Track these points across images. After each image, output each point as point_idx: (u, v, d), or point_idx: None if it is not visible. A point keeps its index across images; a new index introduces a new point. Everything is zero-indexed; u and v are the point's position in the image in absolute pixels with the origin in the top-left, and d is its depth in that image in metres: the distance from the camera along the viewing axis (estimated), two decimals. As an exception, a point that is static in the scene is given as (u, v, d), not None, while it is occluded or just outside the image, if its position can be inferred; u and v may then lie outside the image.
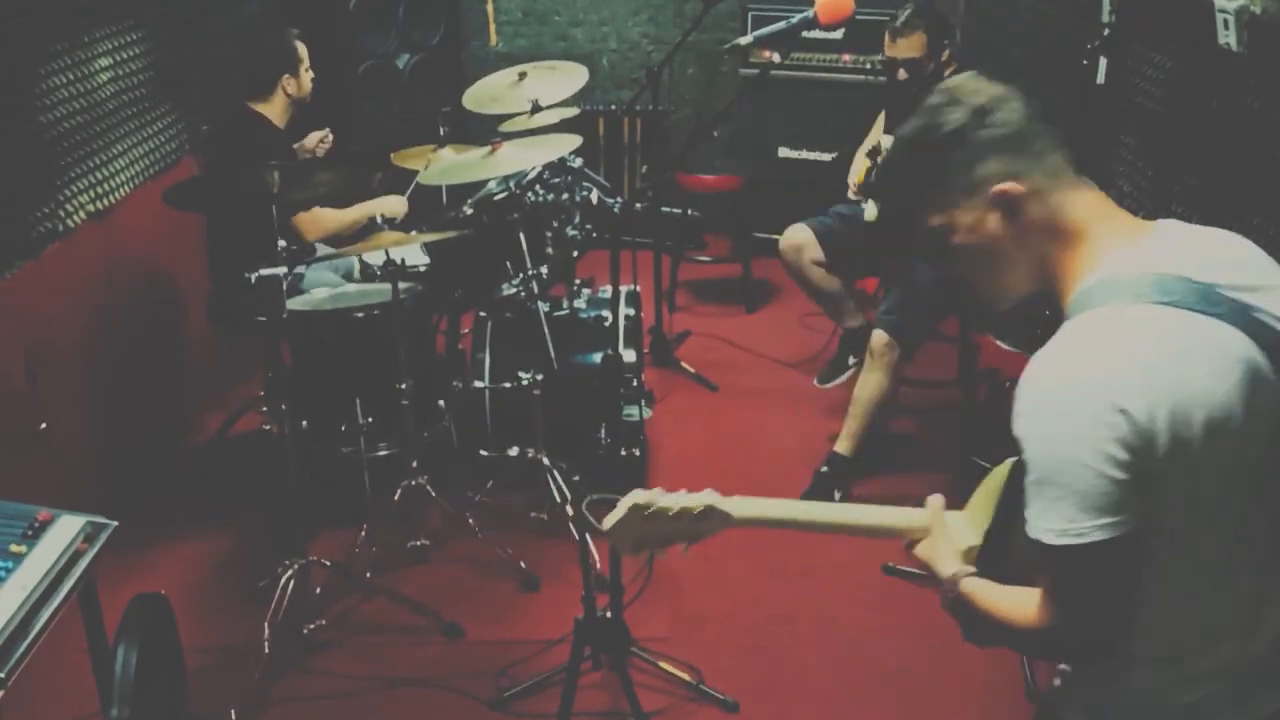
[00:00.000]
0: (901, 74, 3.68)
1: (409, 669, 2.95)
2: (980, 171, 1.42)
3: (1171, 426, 1.25)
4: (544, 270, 3.55)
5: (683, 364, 4.61)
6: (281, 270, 2.80)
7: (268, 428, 3.44)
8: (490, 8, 5.88)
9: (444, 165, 3.52)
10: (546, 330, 3.54)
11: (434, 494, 3.35)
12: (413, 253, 3.62)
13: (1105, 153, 3.57)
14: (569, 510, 3.38)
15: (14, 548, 2.00)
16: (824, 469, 3.67)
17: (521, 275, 3.50)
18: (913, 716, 2.84)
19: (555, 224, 3.61)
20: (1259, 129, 2.63)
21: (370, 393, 3.37)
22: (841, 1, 2.48)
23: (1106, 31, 3.42)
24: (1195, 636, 1.38)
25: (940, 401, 4.29)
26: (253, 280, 2.77)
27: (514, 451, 3.57)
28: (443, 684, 2.89)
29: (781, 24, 2.55)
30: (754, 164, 5.43)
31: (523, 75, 3.78)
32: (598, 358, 3.62)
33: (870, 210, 3.80)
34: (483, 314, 3.72)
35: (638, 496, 1.66)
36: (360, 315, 3.36)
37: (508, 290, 3.53)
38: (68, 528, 2.10)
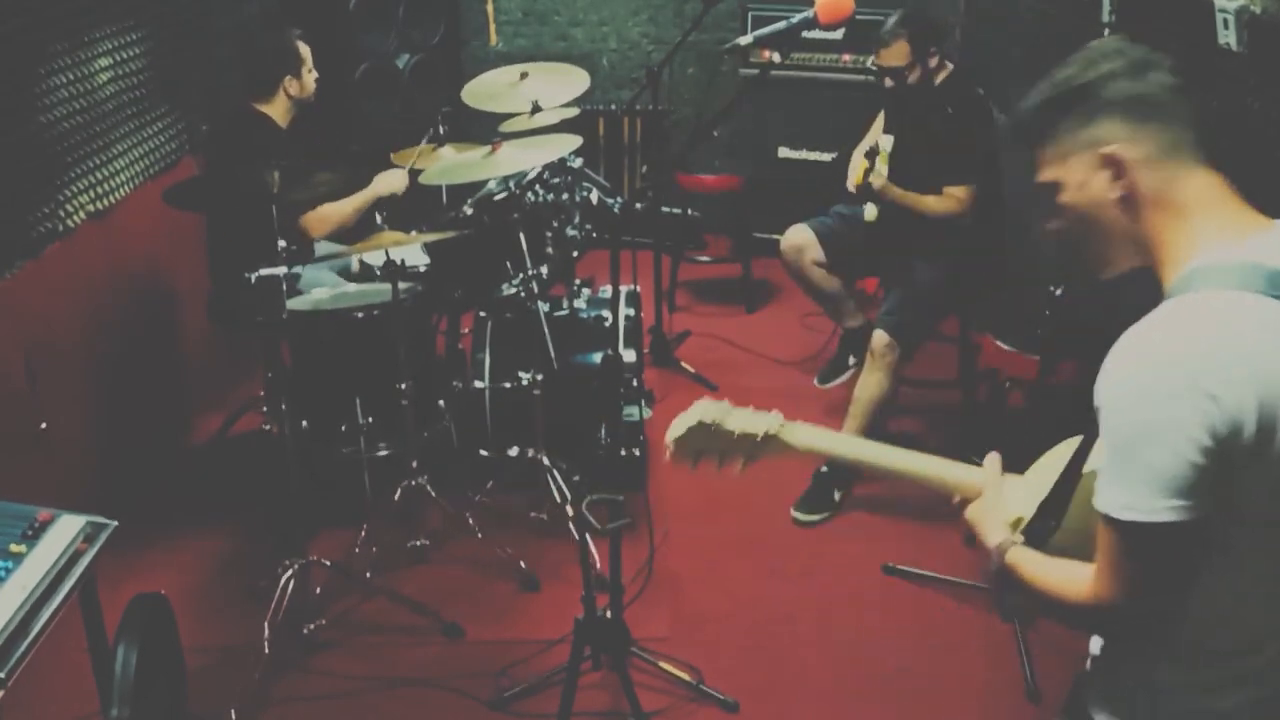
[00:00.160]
0: (888, 82, 3.71)
1: (409, 669, 2.95)
2: (1096, 130, 1.40)
3: (1260, 418, 1.25)
4: (544, 270, 3.55)
5: (683, 364, 4.61)
6: (281, 270, 2.80)
7: (268, 428, 3.44)
8: (490, 8, 5.88)
9: (444, 165, 3.52)
10: (546, 330, 3.54)
11: (434, 494, 3.35)
12: (413, 253, 3.62)
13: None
14: (569, 510, 3.38)
15: (14, 548, 2.00)
16: (824, 469, 3.67)
17: (521, 275, 3.50)
18: (913, 716, 2.84)
19: (555, 224, 3.61)
20: (1259, 129, 2.63)
21: (370, 393, 3.37)
22: (841, 1, 2.48)
23: (1106, 31, 3.42)
24: (1258, 631, 1.37)
25: (940, 401, 4.29)
26: (253, 280, 2.77)
27: (514, 451, 3.57)
28: (443, 684, 2.89)
29: (781, 24, 2.55)
30: (754, 164, 5.43)
31: (524, 75, 3.77)
32: (598, 358, 3.62)
33: (870, 211, 3.80)
34: (483, 314, 3.72)
35: (705, 412, 1.66)
36: (360, 315, 3.36)
37: (508, 290, 3.53)
38: (68, 528, 2.10)
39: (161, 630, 2.42)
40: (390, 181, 3.71)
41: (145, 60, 3.87)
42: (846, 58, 5.43)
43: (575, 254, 3.71)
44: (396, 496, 3.34)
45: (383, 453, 3.43)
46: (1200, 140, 1.44)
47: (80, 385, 3.48)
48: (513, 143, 3.38)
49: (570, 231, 3.66)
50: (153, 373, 3.95)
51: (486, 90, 3.80)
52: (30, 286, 3.18)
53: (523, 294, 3.51)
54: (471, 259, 3.53)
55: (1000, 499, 1.63)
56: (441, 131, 3.79)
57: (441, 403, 3.61)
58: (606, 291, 3.82)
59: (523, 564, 3.29)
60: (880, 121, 4.02)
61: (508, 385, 3.54)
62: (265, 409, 3.72)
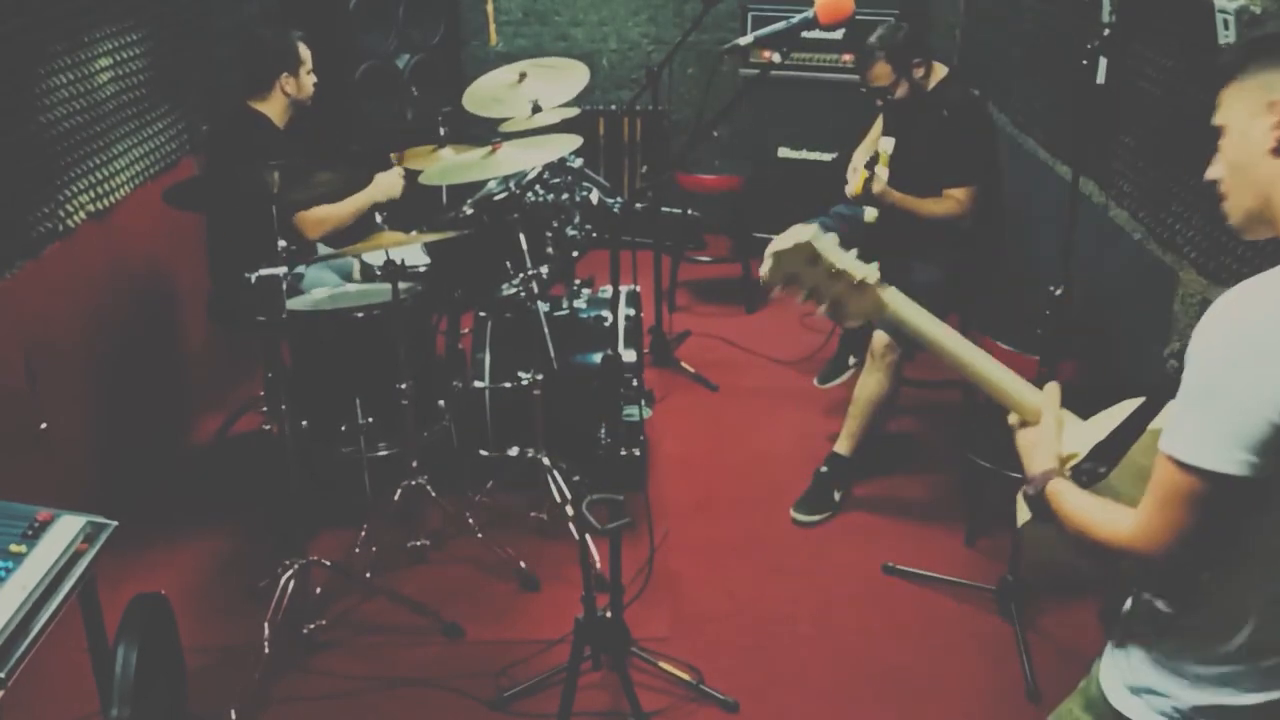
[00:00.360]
0: (878, 102, 3.76)
1: (409, 669, 2.95)
2: (1268, 79, 1.39)
3: None
4: (544, 270, 3.55)
5: (683, 364, 4.61)
6: (281, 270, 2.80)
7: (268, 428, 3.44)
8: (490, 8, 5.88)
9: (444, 165, 3.51)
10: (546, 330, 3.54)
11: (434, 494, 3.35)
12: (413, 253, 3.62)
13: (1105, 153, 3.57)
14: (569, 510, 3.38)
15: (14, 548, 2.00)
16: (823, 469, 3.67)
17: (521, 275, 3.50)
18: (913, 716, 2.84)
19: (555, 224, 3.61)
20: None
21: (370, 393, 3.37)
22: (841, 1, 2.47)
23: (1106, 31, 3.42)
24: None
25: (940, 401, 4.29)
26: (253, 280, 2.77)
27: (514, 451, 3.57)
28: (443, 684, 2.89)
29: (781, 24, 2.55)
30: (754, 164, 5.43)
31: (523, 75, 3.77)
32: (598, 358, 3.62)
33: (870, 213, 3.80)
34: (483, 314, 3.72)
35: (814, 235, 1.64)
36: (360, 315, 3.36)
37: (508, 290, 3.53)
38: (68, 528, 2.10)
39: (161, 630, 2.42)
40: (387, 187, 3.71)
41: (145, 60, 3.87)
42: (846, 58, 5.43)
43: (575, 254, 3.71)
44: (396, 496, 3.34)
45: (383, 453, 3.43)
46: None
47: (80, 385, 3.48)
48: (513, 143, 3.38)
49: (570, 231, 3.66)
50: (153, 373, 3.95)
51: (488, 94, 3.79)
52: (30, 286, 3.18)
53: (523, 294, 3.51)
54: (471, 259, 3.53)
55: (1054, 430, 1.64)
56: (441, 132, 3.79)
57: (441, 403, 3.60)
58: (606, 291, 3.82)
59: (523, 564, 3.29)
60: (880, 124, 4.03)
61: (508, 385, 3.54)
62: (265, 409, 3.72)
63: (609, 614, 2.74)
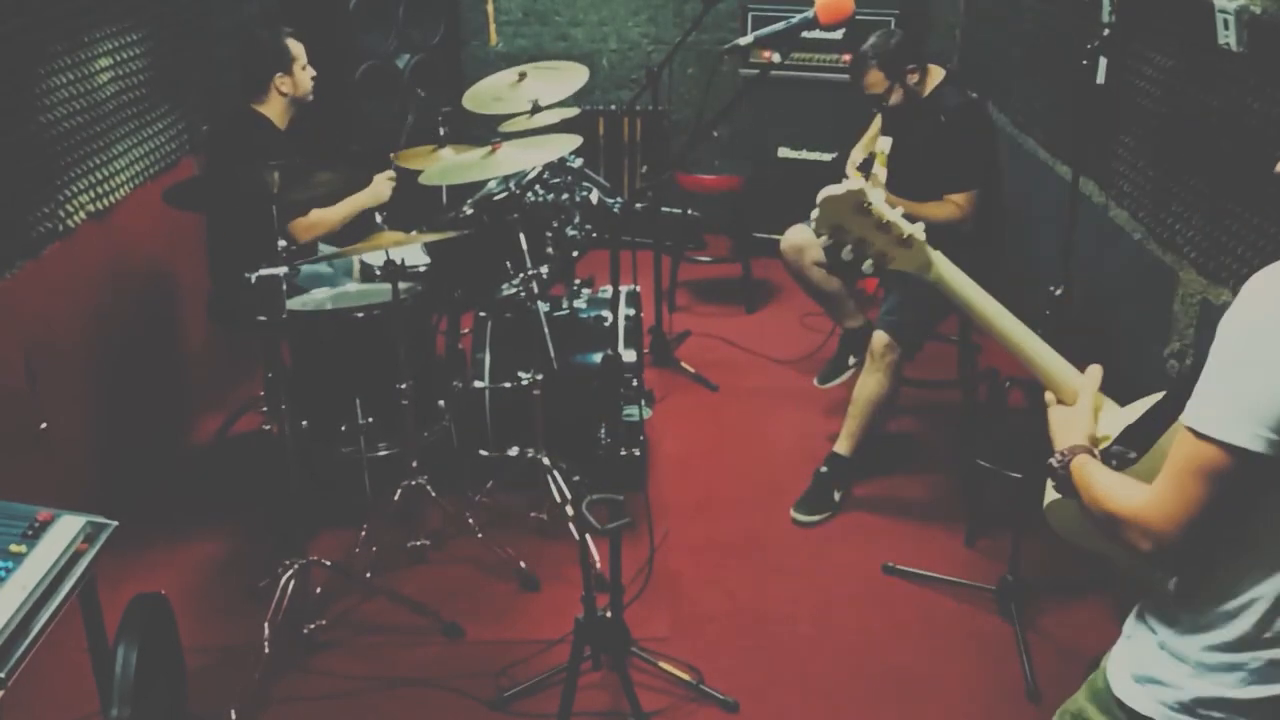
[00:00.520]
0: (873, 109, 3.82)
1: (409, 669, 2.96)
2: None
3: None
4: (544, 270, 3.55)
5: (683, 364, 4.61)
6: (281, 270, 2.80)
7: (268, 428, 3.44)
8: (490, 8, 5.88)
9: (444, 165, 3.51)
10: (546, 330, 3.54)
11: (434, 494, 3.35)
12: (413, 253, 3.62)
13: (1105, 152, 3.57)
14: (569, 510, 3.38)
15: (14, 548, 2.00)
16: (823, 469, 3.67)
17: (521, 275, 3.50)
18: (913, 716, 2.84)
19: (555, 224, 3.61)
20: (1259, 129, 2.63)
21: (370, 393, 3.37)
22: (841, 2, 2.47)
23: (1106, 31, 3.42)
24: None
25: (940, 401, 4.29)
26: (253, 280, 2.77)
27: (514, 451, 3.57)
28: (443, 684, 2.89)
29: (781, 24, 2.55)
30: (754, 164, 5.43)
31: (523, 76, 3.77)
32: (598, 358, 3.62)
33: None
34: (483, 314, 3.72)
35: (866, 186, 1.65)
36: (360, 315, 3.36)
37: (508, 290, 3.53)
38: (68, 528, 2.10)
39: (161, 630, 2.42)
40: (377, 191, 3.71)
41: (145, 60, 3.87)
42: (846, 58, 5.41)
43: (575, 254, 3.71)
44: (396, 496, 3.34)
45: (383, 453, 3.43)
46: None
47: (80, 385, 3.48)
48: (513, 143, 3.37)
49: (570, 231, 3.66)
50: (153, 373, 3.95)
51: (489, 94, 3.79)
52: (30, 286, 3.19)
53: (523, 294, 3.51)
54: (471, 259, 3.53)
55: (1089, 411, 1.64)
56: (441, 132, 3.79)
57: (441, 403, 3.60)
58: (606, 291, 3.82)
59: (523, 564, 3.29)
60: (878, 123, 4.03)
61: (508, 385, 3.54)
62: (265, 409, 3.72)
63: (609, 614, 2.74)
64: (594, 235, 3.73)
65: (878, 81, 3.67)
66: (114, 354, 3.67)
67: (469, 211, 3.51)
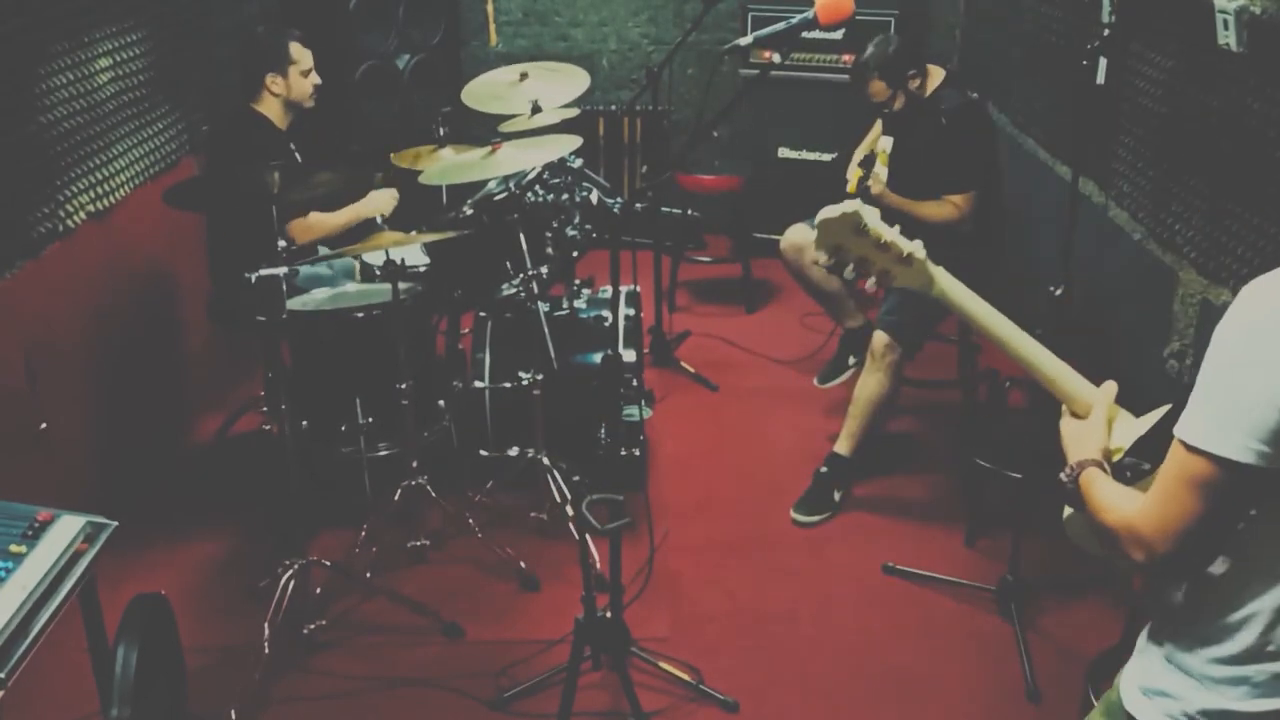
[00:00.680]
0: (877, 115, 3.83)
1: (409, 669, 2.95)
2: None
3: None
4: (544, 270, 3.55)
5: (683, 364, 4.61)
6: (281, 270, 2.80)
7: (268, 428, 3.43)
8: (490, 8, 5.88)
9: (444, 165, 3.52)
10: (546, 330, 3.54)
11: (434, 494, 3.35)
12: (413, 253, 3.62)
13: (1105, 153, 3.57)
14: (569, 510, 3.38)
15: (14, 548, 2.00)
16: (823, 469, 3.67)
17: (521, 275, 3.50)
18: (913, 716, 2.84)
19: (555, 224, 3.61)
20: (1259, 129, 2.63)
21: (370, 393, 3.37)
22: (841, 2, 2.47)
23: (1106, 31, 3.42)
24: None
25: (940, 401, 4.29)
26: (253, 280, 2.77)
27: (514, 451, 3.57)
28: (443, 684, 2.89)
29: (781, 24, 2.55)
30: (754, 164, 5.43)
31: (524, 75, 3.77)
32: (598, 358, 3.62)
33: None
34: (483, 314, 3.72)
35: (861, 207, 1.65)
36: (360, 315, 3.36)
37: (508, 290, 3.53)
38: (68, 528, 2.10)
39: (161, 630, 2.41)
40: (379, 204, 3.71)
41: (145, 60, 3.87)
42: (847, 58, 5.42)
43: (575, 254, 3.71)
44: (396, 496, 3.34)
45: (383, 453, 3.43)
46: None
47: (80, 385, 3.48)
48: (513, 143, 3.38)
49: (570, 231, 3.66)
50: (153, 373, 3.95)
51: (488, 92, 3.79)
52: (30, 286, 3.19)
53: (523, 294, 3.51)
54: (471, 259, 3.53)
55: (1103, 424, 1.62)
56: (441, 132, 3.79)
57: (441, 403, 3.60)
58: (606, 291, 3.82)
59: (523, 564, 3.29)
60: (879, 126, 4.03)
61: (508, 385, 3.54)
62: (265, 409, 3.71)
63: (609, 614, 2.73)
64: (594, 235, 3.73)
65: (880, 90, 3.68)
66: (114, 354, 3.67)
67: (469, 211, 3.51)
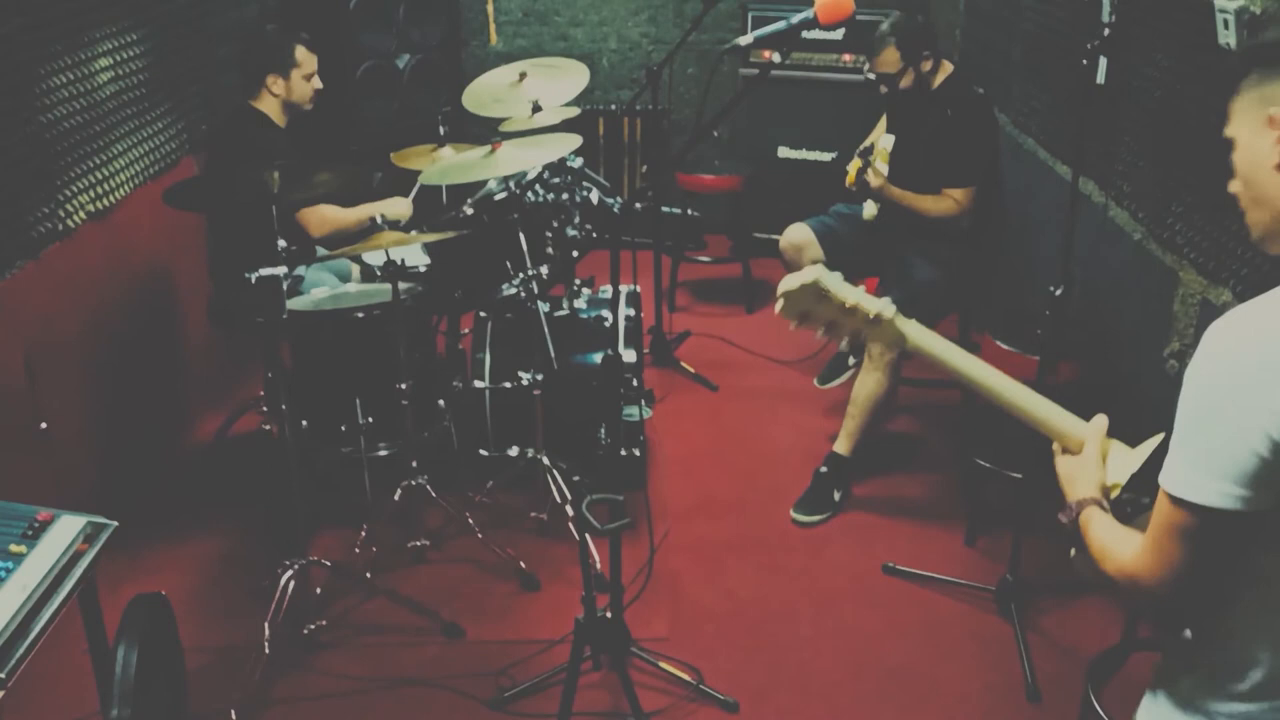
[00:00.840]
0: (883, 89, 3.74)
1: (409, 669, 2.96)
2: (1272, 89, 1.34)
3: None
4: (544, 270, 3.55)
5: (683, 364, 4.61)
6: (281, 270, 2.80)
7: (268, 428, 3.43)
8: (490, 8, 5.88)
9: (444, 165, 3.52)
10: (546, 330, 3.54)
11: (434, 494, 3.35)
12: (413, 253, 3.62)
13: (1105, 153, 3.57)
14: (569, 510, 3.38)
15: (14, 548, 2.00)
16: (823, 469, 3.67)
17: (521, 275, 3.50)
18: (913, 716, 2.84)
19: (555, 224, 3.61)
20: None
21: (370, 393, 3.37)
22: (841, 2, 2.47)
23: (1106, 31, 3.42)
24: None
25: (940, 401, 4.29)
26: (253, 280, 2.77)
27: (514, 451, 3.57)
28: (443, 684, 2.89)
29: (781, 24, 2.55)
30: (754, 164, 5.43)
31: (523, 75, 3.77)
32: (598, 358, 3.62)
33: (869, 209, 3.80)
34: (483, 314, 3.72)
35: (821, 274, 1.62)
36: (360, 315, 3.36)
37: (508, 290, 3.53)
38: (68, 528, 2.10)
39: (161, 630, 2.41)
40: (395, 209, 3.72)
41: (145, 60, 3.87)
42: (847, 58, 5.44)
43: (575, 254, 3.71)
44: (396, 496, 3.34)
45: (383, 453, 3.42)
46: None
47: (80, 385, 3.48)
48: (513, 143, 3.38)
49: (570, 231, 3.66)
50: (153, 373, 3.95)
51: (488, 93, 3.79)
52: (30, 286, 3.19)
53: (523, 294, 3.51)
54: (471, 259, 3.53)
55: (1097, 459, 1.59)
56: (441, 132, 3.79)
57: (441, 403, 3.60)
58: (606, 291, 3.82)
59: (523, 564, 3.29)
60: (883, 123, 4.03)
61: (508, 385, 3.55)
62: (265, 409, 3.72)
63: (609, 614, 2.74)
64: (594, 235, 3.73)
65: (893, 60, 3.65)
66: (114, 354, 3.67)
67: (469, 211, 3.52)
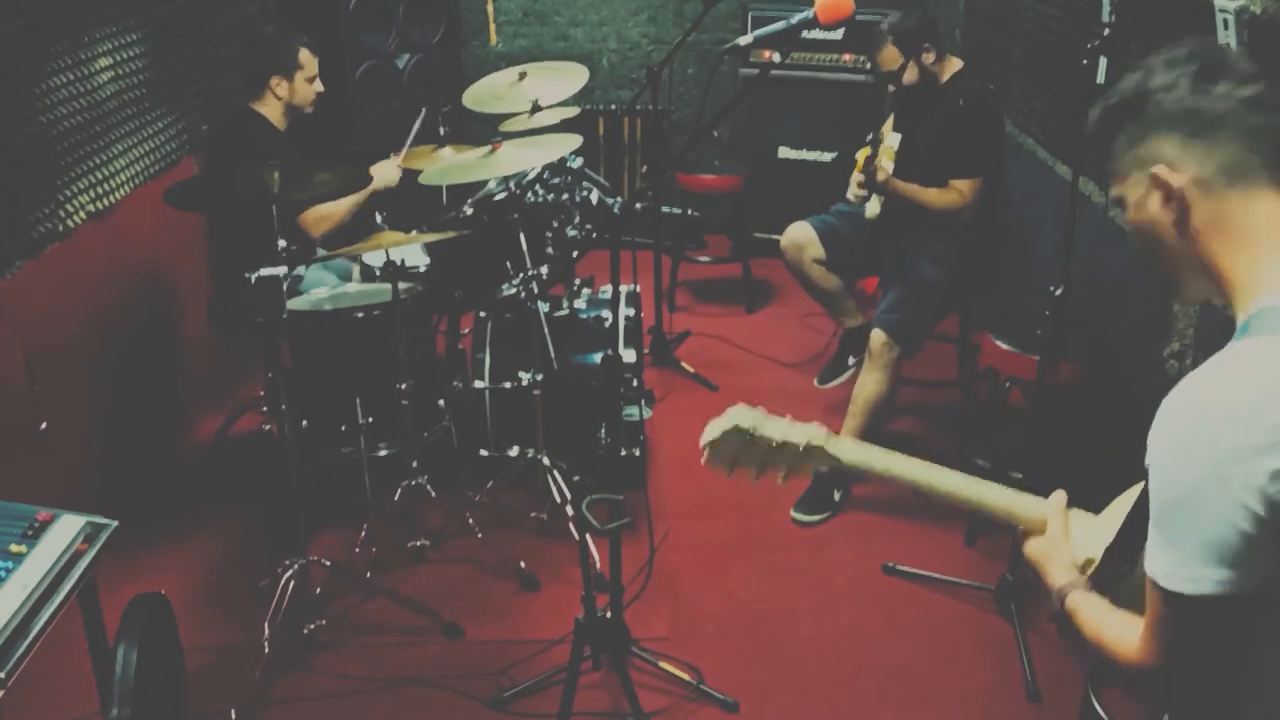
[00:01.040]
0: (890, 88, 3.78)
1: (409, 669, 2.95)
2: (1147, 148, 1.31)
3: None
4: (544, 270, 3.55)
5: (683, 364, 4.61)
6: (281, 270, 2.80)
7: (268, 428, 3.43)
8: (490, 8, 5.88)
9: (444, 165, 3.52)
10: (546, 330, 3.54)
11: (434, 494, 3.35)
12: (413, 253, 3.62)
13: (1105, 153, 3.57)
14: (569, 510, 3.38)
15: (14, 548, 2.00)
16: (824, 469, 3.66)
17: (521, 275, 3.50)
18: (913, 716, 2.84)
19: (555, 224, 3.61)
20: (1259, 129, 2.62)
21: (370, 393, 3.37)
22: (841, 1, 2.47)
23: (1106, 31, 3.42)
24: None
25: (940, 401, 4.29)
26: (253, 280, 2.77)
27: (514, 451, 3.57)
28: (443, 684, 2.89)
29: (781, 24, 2.55)
30: (754, 164, 5.43)
31: (523, 75, 3.77)
32: (598, 358, 3.62)
33: (872, 207, 3.80)
34: (483, 314, 3.72)
35: (741, 418, 1.58)
36: (360, 315, 3.36)
37: (508, 290, 3.53)
38: (68, 528, 2.10)
39: (161, 630, 2.41)
40: (384, 176, 3.70)
41: (145, 60, 3.87)
42: (847, 58, 5.43)
43: (575, 254, 3.71)
44: (396, 496, 3.34)
45: (383, 453, 3.43)
46: (1272, 159, 1.29)
47: (80, 385, 3.48)
48: (513, 143, 3.38)
49: (570, 231, 3.66)
50: (153, 373, 3.95)
51: (489, 93, 3.79)
52: (30, 286, 3.18)
53: (523, 294, 3.51)
54: (471, 259, 3.53)
55: (1065, 536, 1.54)
56: (441, 132, 3.79)
57: (441, 403, 3.60)
58: (606, 291, 3.82)
59: (523, 564, 3.29)
60: (890, 123, 4.03)
61: (508, 385, 3.55)
62: (265, 409, 3.72)
63: (609, 614, 2.74)
64: (594, 235, 3.73)
65: (893, 58, 3.67)
66: (114, 354, 3.67)
67: (469, 211, 3.52)
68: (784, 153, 5.64)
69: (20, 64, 3.16)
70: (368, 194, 3.66)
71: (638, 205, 2.77)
